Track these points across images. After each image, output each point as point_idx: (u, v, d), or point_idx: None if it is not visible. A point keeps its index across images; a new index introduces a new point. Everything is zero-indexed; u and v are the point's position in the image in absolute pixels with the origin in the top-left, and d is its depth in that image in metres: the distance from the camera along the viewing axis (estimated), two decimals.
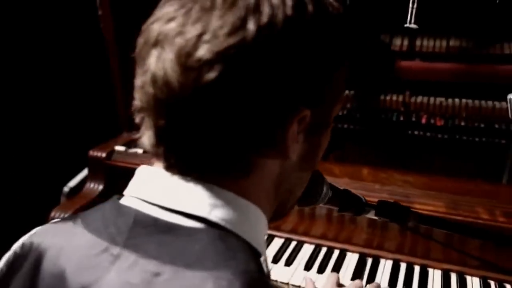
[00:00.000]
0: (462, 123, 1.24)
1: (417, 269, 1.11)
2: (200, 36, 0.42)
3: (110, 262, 0.46)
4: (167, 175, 0.48)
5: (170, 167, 0.48)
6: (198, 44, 0.42)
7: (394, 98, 1.29)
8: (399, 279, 1.07)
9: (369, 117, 1.33)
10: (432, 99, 1.26)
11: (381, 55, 1.27)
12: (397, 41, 1.26)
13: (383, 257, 1.15)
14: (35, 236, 0.53)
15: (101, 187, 1.41)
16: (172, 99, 0.44)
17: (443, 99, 1.26)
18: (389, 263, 1.13)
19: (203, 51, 0.41)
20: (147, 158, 1.35)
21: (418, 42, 1.25)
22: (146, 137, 0.48)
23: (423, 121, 1.27)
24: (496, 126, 1.22)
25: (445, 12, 1.17)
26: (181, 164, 0.47)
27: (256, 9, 0.42)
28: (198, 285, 0.42)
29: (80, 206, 1.34)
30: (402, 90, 1.29)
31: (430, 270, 1.10)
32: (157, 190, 0.48)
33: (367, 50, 1.28)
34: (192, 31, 0.42)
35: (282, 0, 0.43)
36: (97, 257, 0.47)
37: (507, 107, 1.06)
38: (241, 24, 0.42)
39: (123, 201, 0.51)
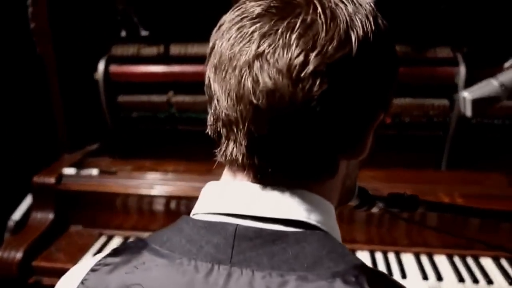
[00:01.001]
0: (407, 119, 1.38)
1: (391, 255, 1.21)
2: (310, 49, 0.44)
3: (224, 282, 0.45)
4: (257, 186, 0.49)
5: (263, 177, 0.48)
6: (309, 57, 0.43)
7: None
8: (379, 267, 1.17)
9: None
10: None
11: None
12: None
13: (358, 249, 1.24)
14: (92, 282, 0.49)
15: (51, 216, 1.30)
16: (279, 109, 0.45)
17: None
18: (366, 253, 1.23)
19: (315, 64, 0.43)
20: (104, 179, 1.30)
21: None
22: (233, 149, 0.48)
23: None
24: (435, 120, 1.38)
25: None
26: (275, 173, 0.48)
27: (352, 23, 0.45)
28: (327, 285, 0.43)
29: (32, 241, 1.22)
30: None
31: (403, 255, 1.21)
32: (253, 201, 0.48)
33: None
34: (301, 45, 0.44)
35: (366, 15, 0.47)
36: (206, 279, 0.45)
37: (457, 104, 1.24)
38: (346, 37, 0.44)
39: (208, 218, 0.50)
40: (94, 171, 1.31)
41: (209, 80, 0.49)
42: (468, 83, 1.30)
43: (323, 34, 0.44)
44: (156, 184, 1.30)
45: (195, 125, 1.44)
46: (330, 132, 0.47)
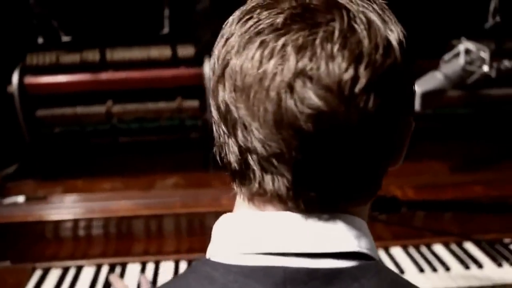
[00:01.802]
0: None
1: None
2: (358, 61, 0.38)
3: None
4: (298, 216, 0.42)
5: (304, 205, 0.42)
6: (359, 69, 0.38)
7: None
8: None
9: None
10: None
11: None
12: None
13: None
14: None
15: None
16: (330, 132, 0.39)
17: None
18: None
19: (367, 77, 0.38)
20: (32, 206, 1.16)
21: None
22: (272, 182, 0.42)
23: None
24: None
25: None
26: (319, 200, 0.42)
27: (387, 26, 0.41)
28: None
29: None
30: None
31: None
32: (296, 235, 0.42)
33: None
34: (347, 56, 0.38)
35: (390, 14, 0.43)
36: None
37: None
38: (388, 43, 0.40)
39: (244, 262, 0.42)
40: (20, 198, 1.15)
41: (228, 105, 0.41)
42: None
43: (367, 42, 0.39)
44: (92, 206, 1.18)
45: (138, 135, 1.34)
46: (382, 148, 0.42)
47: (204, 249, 0.48)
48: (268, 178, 0.42)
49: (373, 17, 0.40)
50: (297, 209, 0.43)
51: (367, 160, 0.42)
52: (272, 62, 0.39)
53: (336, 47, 0.38)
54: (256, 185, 0.43)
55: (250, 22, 0.41)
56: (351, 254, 0.42)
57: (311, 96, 0.38)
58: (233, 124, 0.42)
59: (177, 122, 1.34)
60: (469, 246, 1.21)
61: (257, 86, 0.39)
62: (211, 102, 0.45)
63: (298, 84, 0.38)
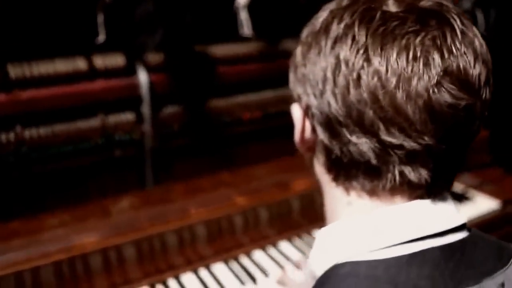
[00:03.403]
0: (273, 111, 1.47)
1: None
2: (478, 58, 0.46)
3: None
4: (428, 202, 0.50)
5: (435, 191, 0.50)
6: (481, 65, 0.46)
7: (220, 102, 1.37)
8: None
9: (201, 127, 1.35)
10: (248, 96, 1.41)
11: (199, 65, 1.31)
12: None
13: None
14: None
15: None
16: (465, 123, 0.47)
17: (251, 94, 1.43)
18: None
19: (486, 72, 0.47)
20: None
21: None
22: (411, 172, 0.48)
23: (246, 116, 1.41)
24: None
25: None
26: (444, 185, 0.51)
27: (471, 23, 0.49)
28: None
29: None
30: (227, 93, 1.38)
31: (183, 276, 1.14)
32: (432, 218, 0.49)
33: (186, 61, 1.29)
34: (471, 54, 0.46)
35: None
36: None
37: None
38: (483, 41, 0.48)
39: (396, 252, 0.47)
40: None
41: (364, 106, 0.46)
42: None
43: (477, 41, 0.47)
44: (47, 248, 1.00)
45: (55, 162, 1.18)
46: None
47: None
48: (407, 170, 0.47)
49: (462, 14, 0.48)
50: (425, 195, 0.49)
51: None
52: (418, 61, 0.44)
53: (463, 46, 0.46)
54: (391, 178, 0.48)
55: (377, 23, 0.46)
56: (463, 226, 0.51)
57: (456, 91, 0.44)
58: (371, 123, 0.46)
59: (103, 140, 1.23)
60: None
61: (406, 85, 0.44)
62: (325, 103, 0.49)
63: (445, 80, 0.44)
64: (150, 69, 1.22)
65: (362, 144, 0.47)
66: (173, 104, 1.29)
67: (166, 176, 1.34)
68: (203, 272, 1.13)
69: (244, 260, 1.18)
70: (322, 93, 0.50)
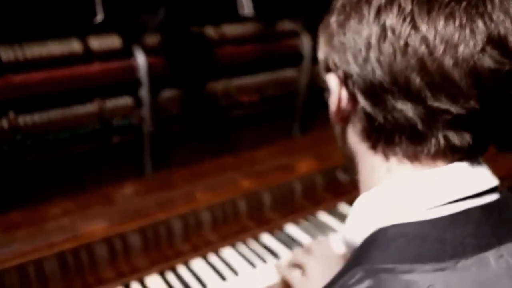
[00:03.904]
0: (271, 94, 1.44)
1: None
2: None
3: (505, 263, 0.47)
4: (466, 165, 0.52)
5: (473, 155, 0.52)
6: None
7: (216, 85, 1.33)
8: None
9: (201, 111, 1.32)
10: (246, 79, 1.38)
11: (197, 47, 1.27)
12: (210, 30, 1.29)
13: None
14: None
15: None
16: (502, 87, 0.48)
17: (248, 76, 1.40)
18: None
19: None
20: None
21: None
22: (455, 137, 0.49)
23: (245, 100, 1.39)
24: (291, 89, 1.49)
25: None
26: (482, 148, 0.53)
27: None
28: None
29: None
30: (218, 77, 1.35)
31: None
32: (471, 180, 0.51)
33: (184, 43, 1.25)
34: (508, 18, 0.47)
35: None
36: (488, 270, 0.47)
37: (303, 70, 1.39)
38: None
39: (440, 213, 0.49)
40: None
41: (412, 73, 0.47)
42: (314, 51, 1.47)
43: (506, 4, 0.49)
44: (52, 237, 0.96)
45: (51, 150, 1.12)
46: None
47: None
48: (451, 134, 0.49)
49: None
50: (464, 158, 0.51)
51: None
52: (464, 28, 0.46)
53: (502, 14, 0.47)
54: (435, 143, 0.50)
55: None
56: (496, 188, 0.53)
57: (499, 57, 0.46)
58: (418, 90, 0.47)
59: (101, 126, 1.17)
60: None
61: (453, 52, 0.46)
62: (368, 70, 0.50)
63: (488, 47, 0.46)
64: (147, 51, 1.18)
65: (408, 110, 0.49)
66: (171, 88, 1.25)
67: (165, 162, 1.31)
68: (212, 258, 1.12)
69: (253, 244, 1.17)
70: (365, 60, 0.50)
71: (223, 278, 1.05)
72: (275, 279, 1.04)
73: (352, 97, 0.55)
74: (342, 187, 1.36)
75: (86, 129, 1.15)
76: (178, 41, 1.22)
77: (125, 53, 1.16)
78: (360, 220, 0.56)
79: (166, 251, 1.07)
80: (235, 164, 1.28)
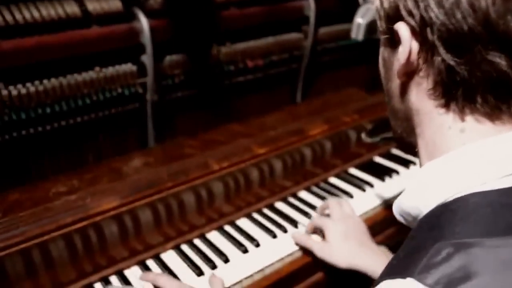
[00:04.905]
0: (275, 58, 1.38)
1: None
2: None
3: None
4: None
5: None
6: None
7: (221, 50, 1.26)
8: None
9: (204, 77, 1.24)
10: (251, 43, 1.31)
11: (201, 9, 1.19)
12: None
13: None
14: None
15: None
16: None
17: (253, 40, 1.33)
18: None
19: None
20: None
21: None
22: None
23: (249, 65, 1.32)
24: (295, 53, 1.43)
25: None
26: None
27: None
28: None
29: None
30: (223, 41, 1.27)
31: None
32: None
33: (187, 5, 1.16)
34: None
35: None
36: None
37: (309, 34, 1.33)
38: None
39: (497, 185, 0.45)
40: None
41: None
42: (318, 13, 1.40)
43: None
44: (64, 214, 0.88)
45: (47, 123, 1.03)
46: None
47: None
48: None
49: None
50: None
51: None
52: None
53: None
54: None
55: None
56: None
57: None
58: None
59: (99, 96, 1.08)
60: None
61: None
62: (458, 18, 0.45)
63: None
64: (149, 14, 1.09)
65: (501, 63, 0.44)
66: (175, 53, 1.18)
67: (169, 131, 1.24)
68: (229, 228, 1.07)
69: (270, 212, 1.13)
70: (455, 5, 0.45)
71: (244, 249, 1.00)
72: (295, 247, 1.00)
73: (428, 49, 0.49)
74: (352, 150, 1.33)
75: (85, 100, 1.07)
76: (181, 3, 1.14)
77: (126, 16, 1.08)
78: (428, 188, 0.51)
79: (181, 225, 1.02)
80: (245, 131, 1.22)
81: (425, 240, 0.45)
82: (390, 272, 0.47)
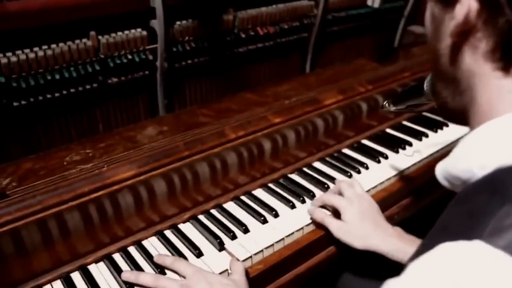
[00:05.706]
0: (285, 26, 1.34)
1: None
2: None
3: None
4: None
5: None
6: None
7: (233, 16, 1.22)
8: None
9: (215, 44, 1.20)
10: (253, 11, 1.26)
11: None
12: None
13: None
14: None
15: None
16: None
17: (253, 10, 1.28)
18: None
19: None
20: None
21: None
22: None
23: (260, 33, 1.28)
24: (305, 22, 1.39)
25: None
26: None
27: None
28: None
29: None
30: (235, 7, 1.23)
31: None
32: None
33: None
34: None
35: None
36: None
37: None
38: None
39: None
40: None
41: None
42: None
43: None
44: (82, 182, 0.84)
45: (48, 92, 0.98)
46: None
47: None
48: None
49: None
50: None
51: None
52: None
53: None
54: None
55: None
56: None
57: None
58: None
59: (106, 62, 1.04)
60: None
61: None
62: None
63: None
64: None
65: None
66: (185, 19, 1.13)
67: (179, 99, 1.21)
68: (246, 198, 1.05)
69: (286, 182, 1.11)
70: None
71: (263, 219, 0.98)
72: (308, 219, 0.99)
73: (491, 8, 0.46)
74: (364, 122, 1.31)
75: (95, 66, 1.02)
76: None
77: None
78: (485, 150, 0.49)
79: (197, 195, 0.99)
80: (259, 100, 1.18)
81: (487, 203, 0.43)
82: (446, 234, 0.45)
